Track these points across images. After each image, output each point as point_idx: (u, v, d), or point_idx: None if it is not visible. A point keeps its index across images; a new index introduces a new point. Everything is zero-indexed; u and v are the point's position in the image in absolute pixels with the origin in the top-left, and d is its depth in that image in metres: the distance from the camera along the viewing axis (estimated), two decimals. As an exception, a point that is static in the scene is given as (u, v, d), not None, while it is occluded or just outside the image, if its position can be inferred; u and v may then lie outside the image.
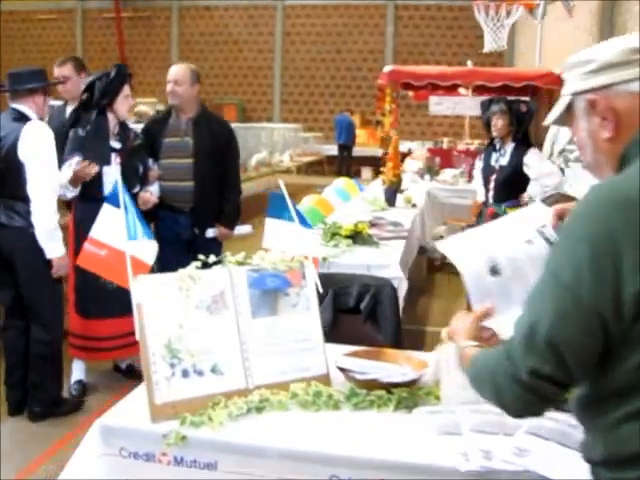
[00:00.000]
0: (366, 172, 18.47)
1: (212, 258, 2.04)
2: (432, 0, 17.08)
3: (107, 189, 3.93)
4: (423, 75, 9.99)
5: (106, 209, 2.10)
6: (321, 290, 2.12)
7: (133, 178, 4.01)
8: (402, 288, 3.84)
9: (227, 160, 4.35)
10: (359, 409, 1.94)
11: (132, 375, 4.27)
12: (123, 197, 1.97)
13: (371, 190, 7.87)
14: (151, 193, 4.12)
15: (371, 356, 2.22)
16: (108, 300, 3.95)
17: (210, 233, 4.32)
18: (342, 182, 7.39)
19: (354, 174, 17.60)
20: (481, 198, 5.18)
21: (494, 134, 4.86)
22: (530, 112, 4.74)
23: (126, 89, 3.97)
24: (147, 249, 2.02)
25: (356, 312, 3.13)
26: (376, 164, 18.10)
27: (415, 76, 9.98)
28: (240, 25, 17.72)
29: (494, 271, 1.65)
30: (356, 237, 4.44)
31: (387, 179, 6.41)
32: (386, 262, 3.97)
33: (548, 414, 1.94)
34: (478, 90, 10.43)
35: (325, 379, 2.06)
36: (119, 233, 1.98)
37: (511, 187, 4.87)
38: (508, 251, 1.69)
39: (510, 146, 4.84)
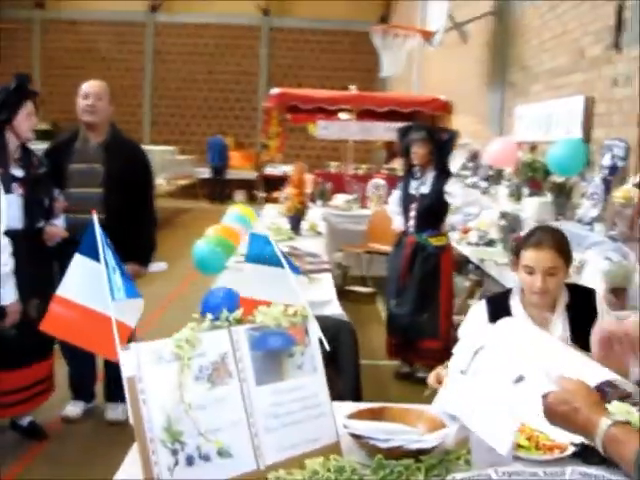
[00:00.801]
0: (239, 195, 18.17)
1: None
2: (306, 23, 17.18)
3: (4, 224, 3.43)
4: (312, 98, 9.95)
5: (78, 261, 1.70)
6: (328, 347, 1.84)
7: (38, 211, 3.54)
8: (343, 324, 3.62)
9: (141, 189, 3.95)
10: (386, 483, 1.69)
11: (36, 434, 3.73)
12: (103, 247, 1.60)
13: (267, 216, 7.64)
14: (57, 227, 3.66)
15: (377, 416, 1.97)
16: (8, 350, 3.44)
17: (123, 270, 3.88)
18: (239, 209, 7.04)
19: (227, 197, 17.29)
20: (399, 226, 5.06)
21: (414, 162, 4.77)
22: (452, 140, 4.70)
23: (29, 105, 3.48)
24: (132, 309, 1.65)
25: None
26: (250, 187, 17.94)
27: (303, 99, 9.92)
28: (108, 42, 16.91)
29: (519, 379, 1.52)
30: (282, 270, 4.17)
31: (292, 206, 6.18)
32: (324, 298, 3.74)
33: (586, 469, 1.79)
34: (362, 115, 10.52)
35: (336, 448, 1.78)
36: (95, 290, 1.61)
37: (432, 216, 4.80)
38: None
39: (431, 174, 4.77)
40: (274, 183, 17.24)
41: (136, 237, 3.89)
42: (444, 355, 4.93)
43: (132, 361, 1.49)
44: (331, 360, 2.83)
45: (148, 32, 17.04)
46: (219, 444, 1.52)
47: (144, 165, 4.00)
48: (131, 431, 4.07)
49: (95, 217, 1.69)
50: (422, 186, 4.79)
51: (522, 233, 5.27)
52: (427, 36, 7.62)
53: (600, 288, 3.74)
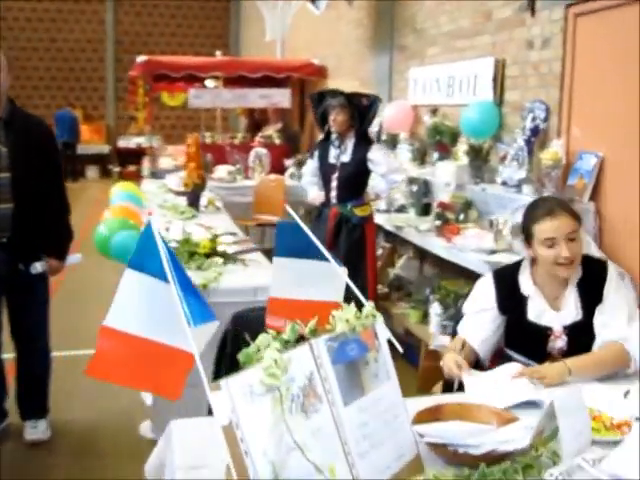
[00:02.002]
0: (92, 171, 17.04)
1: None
2: (154, -13, 16.26)
3: None
4: (182, 66, 9.38)
5: (130, 279, 1.31)
6: (401, 350, 1.61)
7: None
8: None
9: (51, 170, 3.43)
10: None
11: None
12: (168, 259, 1.23)
13: (150, 193, 7.10)
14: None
15: (437, 415, 1.78)
16: None
17: (38, 268, 3.37)
18: (123, 187, 6.50)
19: (79, 174, 16.14)
20: (315, 198, 4.83)
21: (333, 129, 4.55)
22: (373, 105, 4.50)
23: None
24: (202, 334, 1.29)
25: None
26: (103, 162, 16.84)
27: (172, 67, 9.33)
28: None
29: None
30: (213, 254, 3.83)
31: (190, 181, 5.76)
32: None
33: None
34: (228, 82, 10.08)
35: (419, 463, 1.57)
36: (154, 315, 1.25)
37: (355, 185, 4.62)
38: None
39: (351, 142, 4.57)
40: (129, 157, 16.37)
41: (51, 227, 3.39)
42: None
43: (226, 404, 1.17)
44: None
45: (-24, -5, 15.34)
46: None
47: (51, 144, 3.48)
48: (56, 449, 3.57)
49: (152, 219, 1.32)
50: (342, 155, 4.59)
51: (437, 198, 5.22)
52: (313, -1, 7.37)
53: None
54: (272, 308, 1.84)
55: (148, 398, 3.75)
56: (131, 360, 1.28)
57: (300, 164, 8.36)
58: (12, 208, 3.25)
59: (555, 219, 2.24)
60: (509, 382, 2.09)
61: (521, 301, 2.38)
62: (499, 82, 4.84)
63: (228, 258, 3.80)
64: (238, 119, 14.37)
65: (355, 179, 4.59)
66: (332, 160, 4.62)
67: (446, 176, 5.05)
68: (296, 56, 10.88)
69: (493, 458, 1.57)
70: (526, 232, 2.35)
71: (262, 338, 1.40)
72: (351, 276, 4.76)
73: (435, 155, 5.40)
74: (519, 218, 4.13)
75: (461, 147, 5.15)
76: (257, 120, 12.85)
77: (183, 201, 6.20)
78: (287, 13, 7.54)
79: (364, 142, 4.57)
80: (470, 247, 4.13)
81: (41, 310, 3.45)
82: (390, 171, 4.52)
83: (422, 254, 5.32)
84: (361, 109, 4.49)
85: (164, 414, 3.51)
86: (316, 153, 4.83)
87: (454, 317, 3.01)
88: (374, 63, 7.42)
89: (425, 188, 5.49)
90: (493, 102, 4.86)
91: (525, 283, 2.38)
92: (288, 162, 8.60)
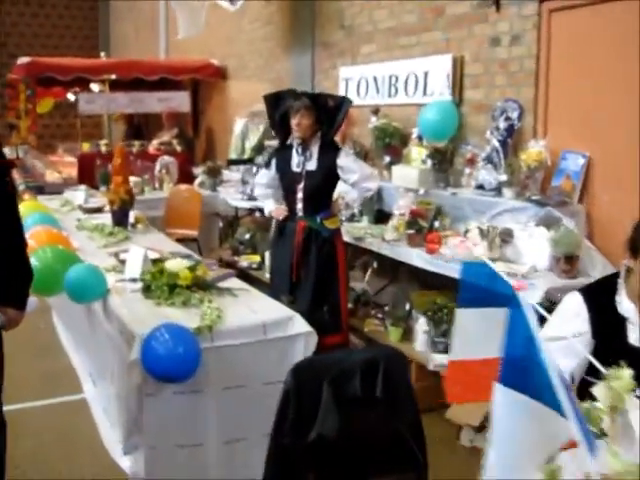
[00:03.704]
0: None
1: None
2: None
3: None
4: (70, 68, 8.54)
5: (505, 399, 0.88)
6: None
7: None
8: (312, 344, 2.98)
9: (4, 196, 2.78)
10: None
11: None
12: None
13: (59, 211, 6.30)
14: None
15: None
16: None
17: (-5, 322, 2.72)
18: (29, 207, 5.69)
19: None
20: (274, 212, 4.39)
21: (297, 134, 4.14)
22: (342, 108, 4.12)
23: None
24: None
25: (364, 402, 2.22)
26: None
27: (60, 69, 8.46)
28: None
29: None
30: (194, 286, 3.33)
31: (116, 197, 5.13)
32: (281, 315, 3.02)
33: None
34: (114, 86, 9.32)
35: None
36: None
37: (322, 195, 4.24)
38: None
39: (315, 148, 4.18)
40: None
41: (7, 268, 2.73)
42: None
43: None
44: (387, 400, 2.24)
45: None
46: None
47: (2, 163, 2.83)
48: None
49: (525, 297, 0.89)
50: (308, 162, 4.19)
51: (395, 205, 4.94)
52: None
53: (547, 256, 3.59)
54: (452, 374, 1.45)
55: (124, 461, 3.19)
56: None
57: (211, 172, 7.83)
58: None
59: None
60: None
61: (620, 324, 2.15)
62: (458, 80, 4.65)
63: (212, 289, 3.31)
64: (114, 125, 13.41)
65: (323, 188, 4.21)
66: (296, 169, 4.21)
67: (405, 181, 4.80)
68: (183, 56, 10.27)
69: None
70: (636, 245, 2.11)
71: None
72: (324, 294, 4.40)
73: (386, 159, 5.14)
74: (505, 222, 3.99)
75: (413, 149, 4.92)
76: (137, 126, 12.03)
77: (101, 220, 5.55)
78: (202, 9, 6.99)
79: (330, 147, 4.20)
80: (459, 257, 3.88)
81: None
82: (363, 179, 4.18)
83: (387, 265, 5.02)
84: (328, 111, 4.12)
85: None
86: (273, 162, 4.40)
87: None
88: (290, 62, 7.06)
89: (377, 194, 5.20)
90: (452, 101, 4.66)
91: (624, 303, 2.16)
92: (197, 170, 8.03)
